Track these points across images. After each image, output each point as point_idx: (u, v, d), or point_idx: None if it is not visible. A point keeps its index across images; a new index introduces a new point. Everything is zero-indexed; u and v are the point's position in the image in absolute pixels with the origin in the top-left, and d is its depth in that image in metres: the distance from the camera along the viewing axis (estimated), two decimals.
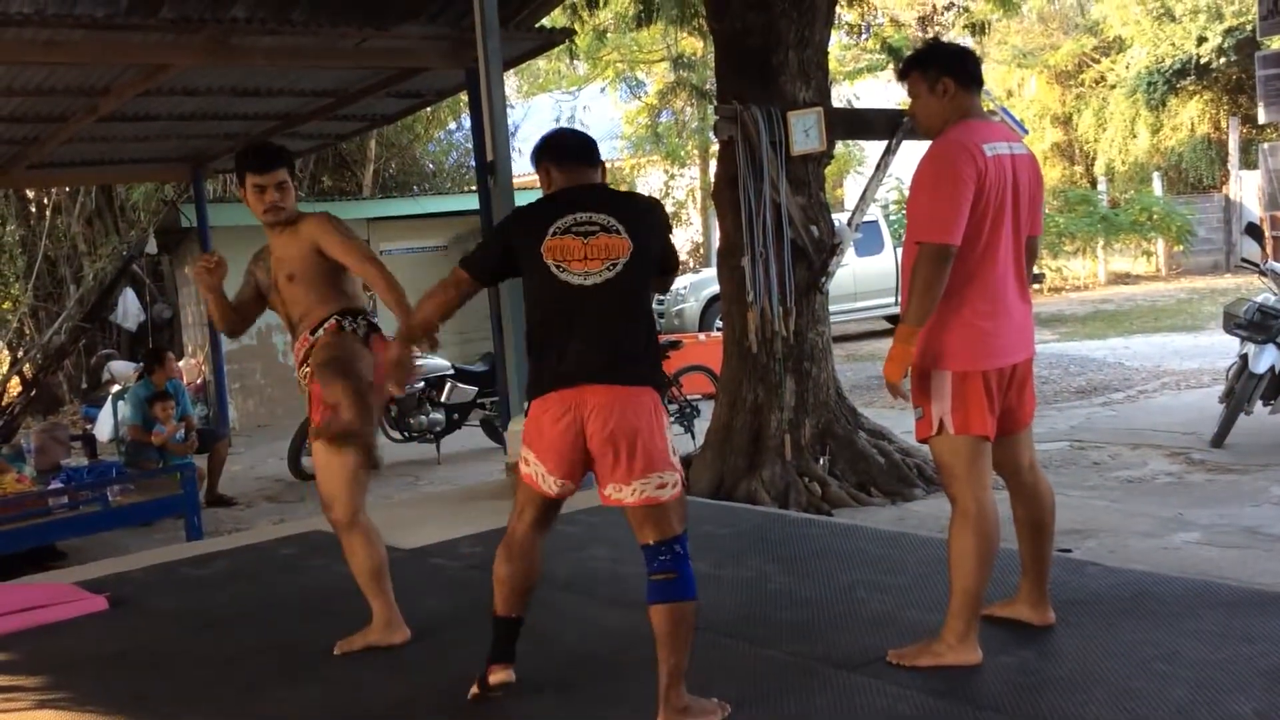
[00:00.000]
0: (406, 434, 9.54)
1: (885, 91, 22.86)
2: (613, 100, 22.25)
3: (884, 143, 7.46)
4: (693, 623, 3.20)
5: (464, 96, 9.62)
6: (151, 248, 13.59)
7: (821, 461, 6.94)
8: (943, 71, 3.54)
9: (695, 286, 16.37)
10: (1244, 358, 7.48)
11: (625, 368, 3.18)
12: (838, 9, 9.43)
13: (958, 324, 3.43)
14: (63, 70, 7.19)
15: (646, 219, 3.32)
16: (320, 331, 4.09)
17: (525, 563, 3.42)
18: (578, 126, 21.61)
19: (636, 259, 3.21)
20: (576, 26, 11.41)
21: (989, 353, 3.45)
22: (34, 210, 15.59)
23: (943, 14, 20.03)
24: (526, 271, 3.27)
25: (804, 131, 6.86)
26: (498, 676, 3.48)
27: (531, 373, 3.30)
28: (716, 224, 7.91)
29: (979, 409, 3.43)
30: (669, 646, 3.17)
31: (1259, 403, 7.49)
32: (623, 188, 22.12)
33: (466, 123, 16.76)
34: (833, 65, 9.28)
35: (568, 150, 3.44)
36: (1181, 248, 21.52)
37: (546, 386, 3.21)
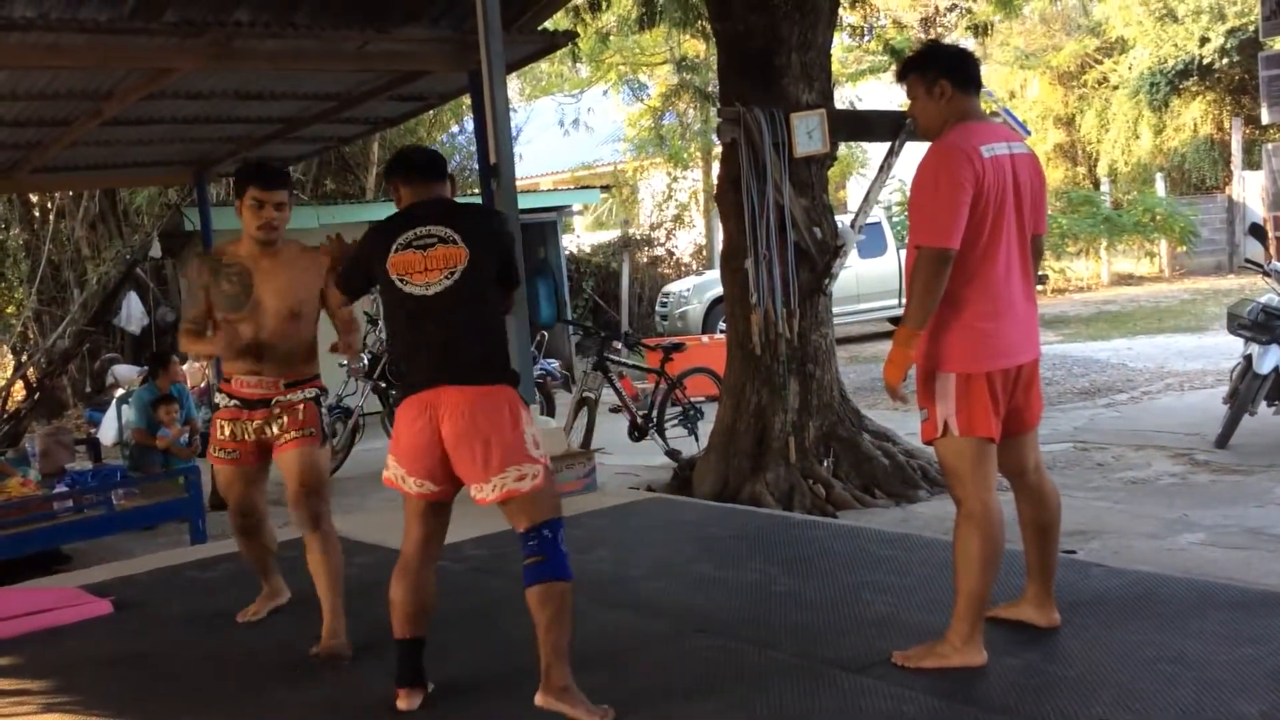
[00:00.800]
0: None
1: (888, 93, 22.86)
2: (615, 103, 22.24)
3: (887, 144, 7.46)
4: (568, 603, 3.34)
5: (467, 99, 9.64)
6: (155, 251, 13.59)
7: (825, 463, 6.93)
8: (940, 73, 3.55)
9: (698, 289, 16.38)
10: (1248, 358, 7.47)
11: (474, 369, 3.36)
12: (840, 11, 9.43)
13: (960, 326, 3.43)
14: (66, 74, 7.20)
15: (483, 228, 3.52)
16: (300, 398, 4.32)
17: (416, 583, 3.56)
18: (581, 129, 21.80)
19: (474, 266, 3.39)
20: (579, 29, 11.42)
21: (993, 354, 3.45)
22: (37, 214, 15.61)
23: (945, 15, 20.03)
24: (380, 285, 3.49)
25: (807, 133, 6.86)
26: (405, 702, 3.57)
27: (400, 379, 3.53)
28: (719, 226, 7.91)
29: (983, 411, 3.43)
30: (544, 626, 3.31)
31: (1263, 403, 7.49)
32: (625, 191, 22.17)
33: (469, 126, 16.78)
34: (835, 67, 9.29)
35: (414, 167, 3.63)
36: (1185, 249, 21.51)
37: (406, 390, 3.42)
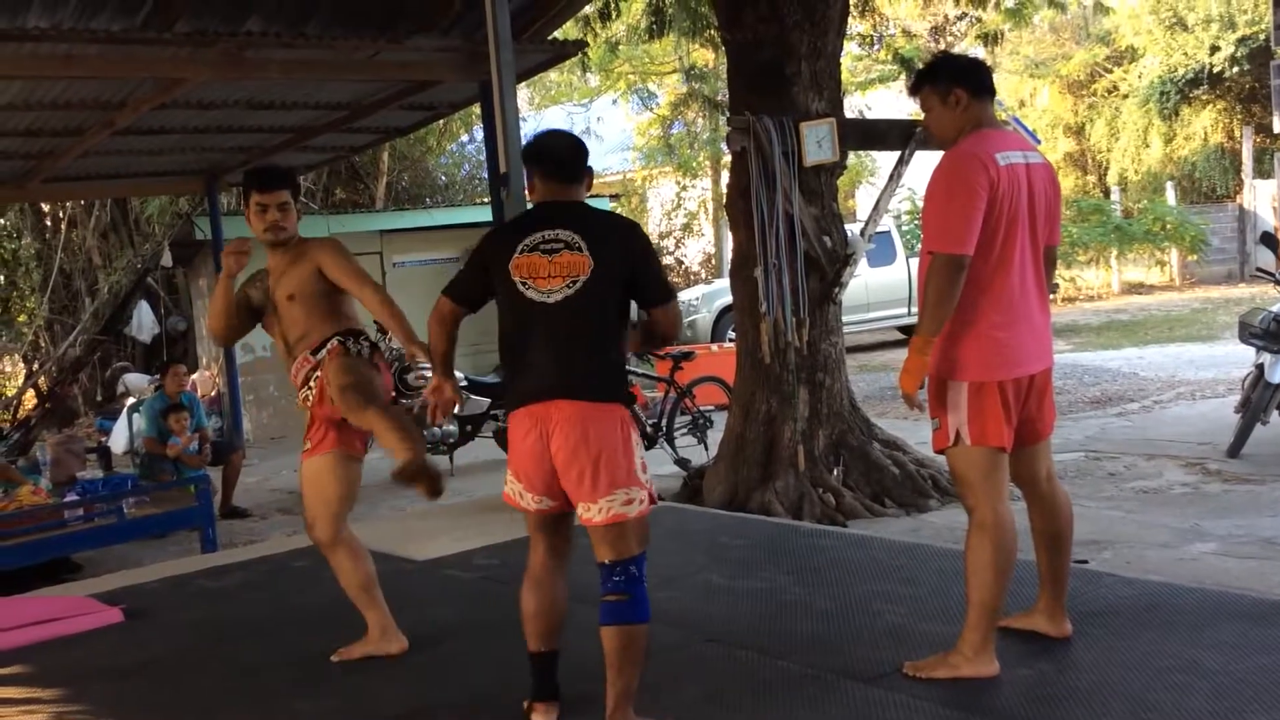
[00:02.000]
0: None
1: (897, 102, 22.85)
2: (625, 112, 22.29)
3: (896, 153, 7.46)
4: (643, 645, 3.21)
5: (477, 109, 9.66)
6: (166, 260, 13.65)
7: (835, 472, 6.92)
8: (954, 82, 3.54)
9: (708, 297, 16.37)
10: (1260, 367, 7.44)
11: (588, 384, 3.20)
12: (850, 20, 9.44)
13: (973, 334, 3.43)
14: (79, 84, 7.24)
15: (613, 239, 3.29)
16: (322, 352, 4.10)
17: (548, 594, 3.42)
18: (590, 138, 21.82)
19: (596, 276, 3.20)
20: (589, 39, 11.44)
21: (1005, 363, 3.44)
22: (49, 224, 15.69)
23: (955, 24, 20.03)
24: (498, 288, 3.30)
25: (816, 142, 6.86)
26: (542, 716, 3.44)
27: (505, 388, 3.37)
28: (729, 235, 7.91)
29: (995, 420, 3.43)
30: (617, 668, 3.19)
31: (1275, 413, 7.45)
32: (634, 199, 22.20)
33: (479, 135, 16.81)
34: (844, 76, 9.29)
35: (558, 164, 3.41)
36: (1195, 257, 21.45)
37: (515, 402, 3.25)
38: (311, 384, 4.14)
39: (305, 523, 4.28)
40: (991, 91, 3.62)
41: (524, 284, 3.22)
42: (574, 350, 3.20)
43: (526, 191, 3.50)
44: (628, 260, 3.28)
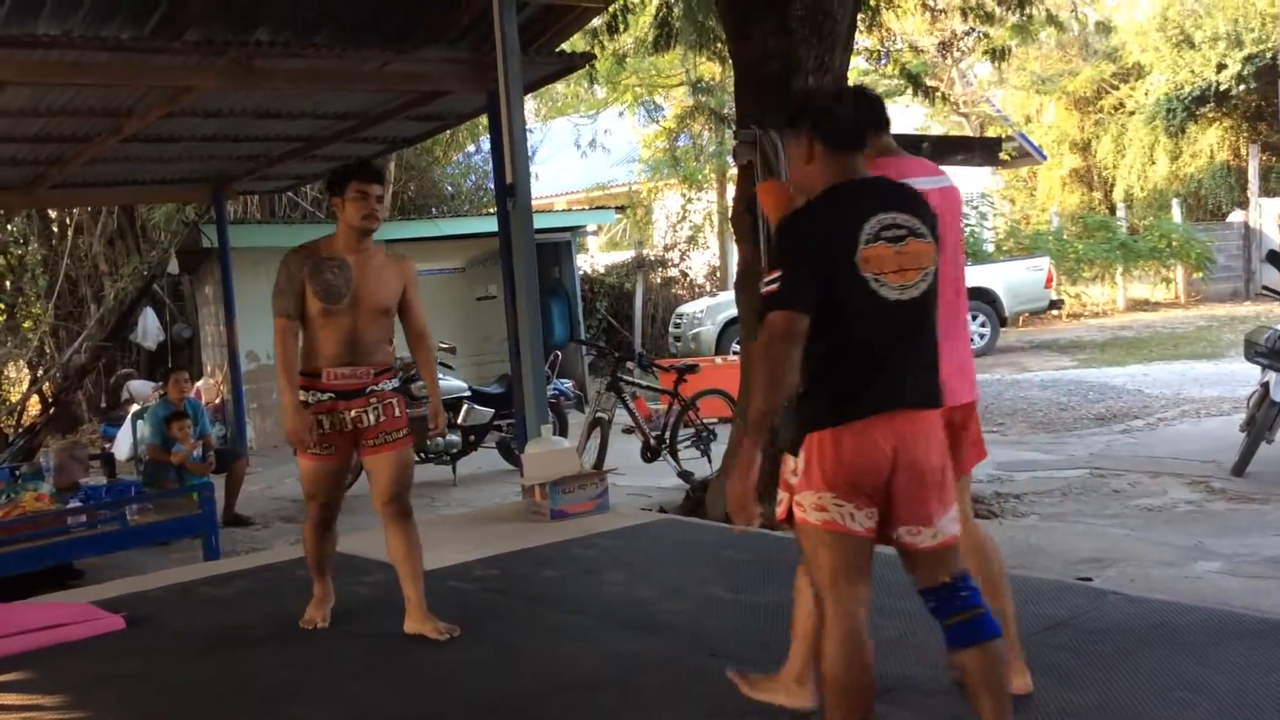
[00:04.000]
0: (423, 455, 9.54)
1: (904, 116, 22.89)
2: (631, 124, 22.32)
3: None
4: (1005, 663, 2.86)
5: (484, 120, 9.68)
6: (172, 268, 13.67)
7: None
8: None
9: (712, 310, 16.37)
10: (1265, 385, 7.43)
11: (934, 390, 2.86)
12: (857, 35, 9.45)
13: None
14: (87, 91, 7.26)
15: (933, 217, 2.90)
16: (389, 387, 4.58)
17: (870, 658, 2.84)
18: (597, 150, 21.88)
19: (937, 267, 2.86)
20: (596, 51, 11.46)
21: None
22: (56, 230, 15.71)
23: (962, 40, 20.06)
24: (838, 286, 2.74)
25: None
26: None
27: (828, 400, 2.79)
28: (734, 248, 7.91)
29: None
30: (990, 693, 2.78)
31: None
32: (639, 211, 22.22)
33: (485, 145, 16.83)
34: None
35: (845, 124, 2.91)
36: (1201, 275, 21.45)
37: (859, 412, 2.75)
38: (368, 406, 4.51)
39: (393, 496, 4.59)
40: (887, 123, 3.45)
41: (877, 280, 2.74)
42: (924, 355, 2.85)
43: (792, 168, 2.98)
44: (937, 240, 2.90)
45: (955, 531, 2.83)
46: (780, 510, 2.94)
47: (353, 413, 4.49)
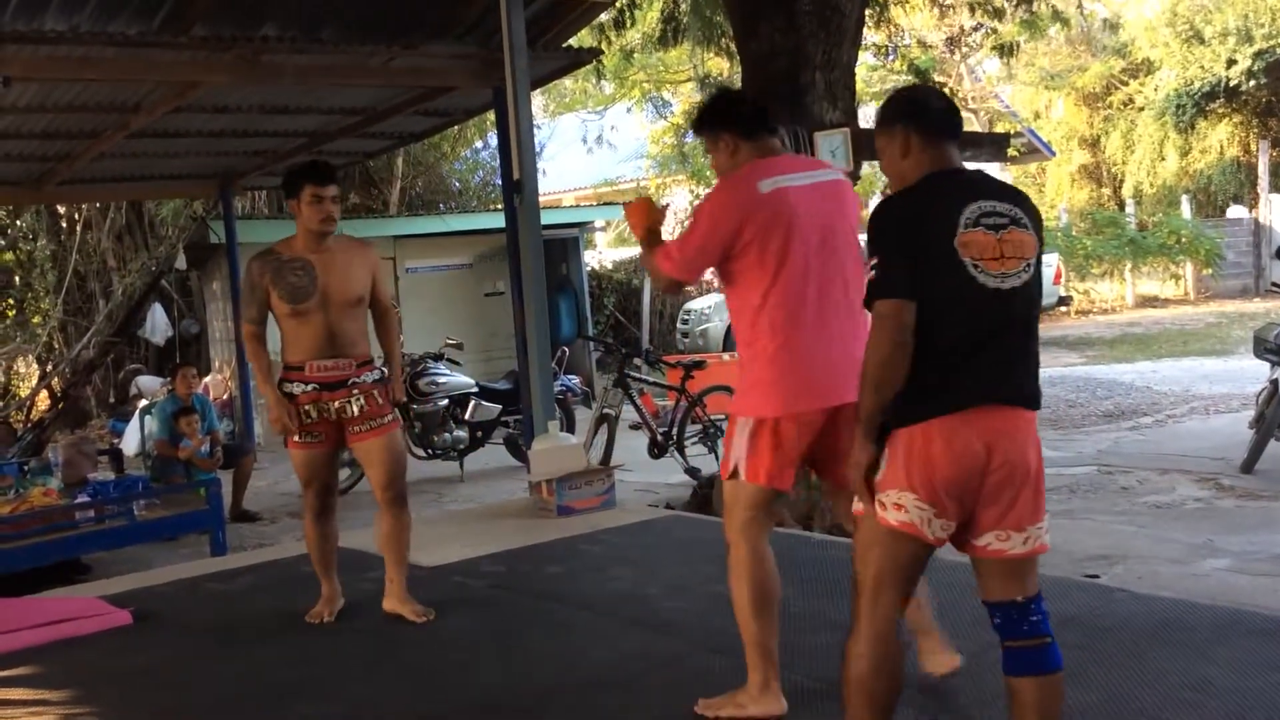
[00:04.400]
0: (430, 451, 9.55)
1: None
2: (639, 120, 22.30)
3: None
4: (1063, 696, 2.73)
5: (491, 115, 9.67)
6: (180, 263, 13.69)
7: None
8: (723, 127, 3.51)
9: (719, 307, 16.35)
10: (1274, 383, 7.41)
11: (1033, 389, 2.70)
12: (865, 30, 9.43)
13: (752, 370, 3.38)
14: (95, 87, 7.27)
15: (1037, 216, 2.77)
16: (366, 378, 4.62)
17: (901, 663, 2.77)
18: (604, 146, 21.85)
19: (1039, 260, 2.71)
20: (604, 46, 11.46)
21: (784, 399, 3.32)
22: (64, 226, 15.74)
23: (970, 35, 20.01)
24: (934, 271, 2.61)
25: (830, 152, 6.85)
26: None
27: (919, 393, 2.61)
28: None
29: (767, 459, 3.33)
30: None
31: None
32: None
33: (493, 141, 16.80)
34: (859, 86, 9.30)
35: (939, 116, 2.83)
36: (1210, 271, 21.39)
37: (950, 406, 2.59)
38: (350, 397, 4.58)
39: (388, 483, 4.68)
40: (769, 126, 3.53)
41: (975, 265, 2.60)
42: (1023, 349, 2.68)
43: (886, 159, 2.87)
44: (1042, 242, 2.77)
45: (1045, 542, 2.68)
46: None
47: (336, 403, 4.58)
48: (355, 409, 4.59)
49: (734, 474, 3.41)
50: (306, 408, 4.57)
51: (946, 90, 16.05)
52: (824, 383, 3.31)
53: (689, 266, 3.46)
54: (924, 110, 2.81)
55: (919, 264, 2.61)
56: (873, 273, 2.66)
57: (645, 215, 3.65)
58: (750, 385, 3.40)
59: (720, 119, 3.52)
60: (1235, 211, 23.09)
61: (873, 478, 2.67)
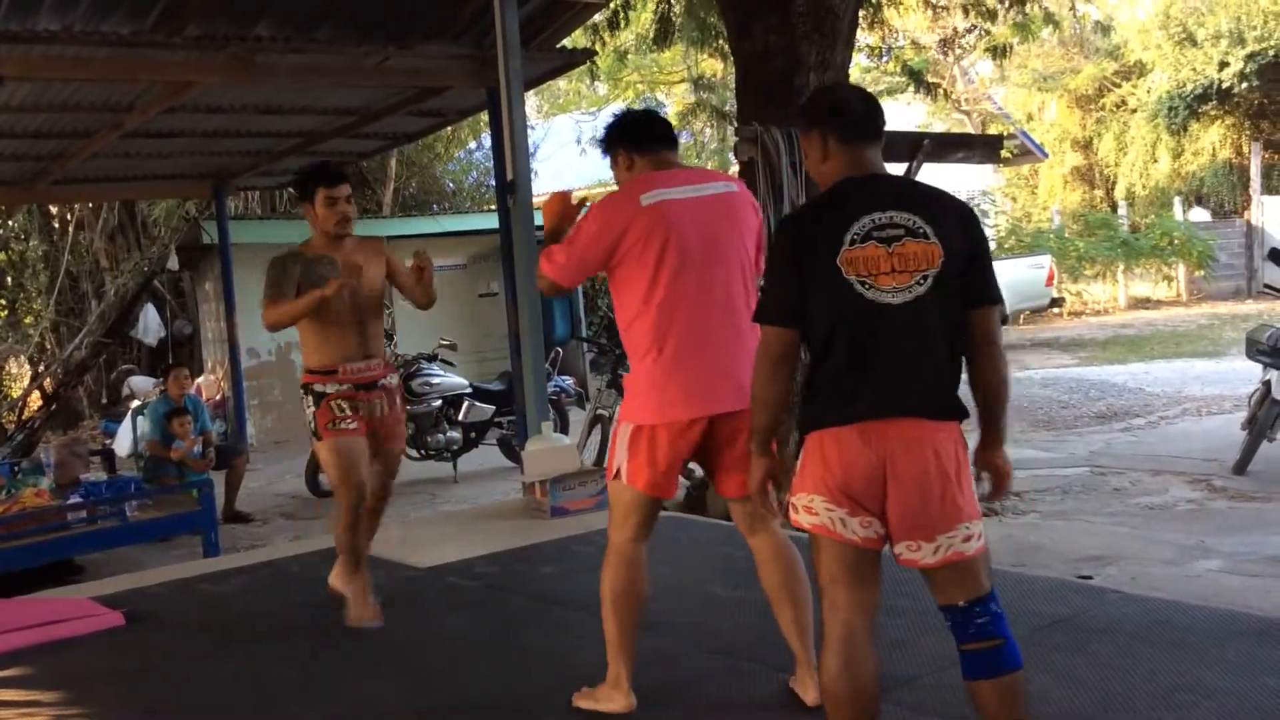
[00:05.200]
0: (423, 452, 9.54)
1: (905, 114, 22.83)
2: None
3: (903, 165, 7.45)
4: (1024, 694, 2.70)
5: (485, 116, 9.67)
6: (173, 264, 13.67)
7: None
8: (617, 145, 3.59)
9: None
10: (1267, 384, 7.43)
11: (937, 400, 2.67)
12: (859, 31, 9.44)
13: (634, 378, 3.45)
14: (88, 87, 7.25)
15: (955, 222, 2.72)
16: (395, 382, 4.74)
17: (868, 669, 2.73)
18: (598, 147, 21.88)
19: (947, 271, 2.64)
20: (597, 47, 11.45)
21: (662, 408, 3.36)
22: (57, 226, 15.71)
23: (964, 37, 20.04)
24: (819, 290, 2.66)
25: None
26: None
27: (816, 403, 2.71)
28: None
29: (641, 464, 3.39)
30: None
31: None
32: None
33: (487, 142, 16.81)
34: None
35: (856, 120, 2.80)
36: (1202, 273, 21.44)
37: (844, 418, 2.65)
38: (380, 398, 4.63)
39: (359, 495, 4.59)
40: (660, 140, 3.59)
41: (863, 282, 2.62)
42: (924, 361, 2.66)
43: (810, 162, 2.87)
44: (971, 248, 2.71)
45: (966, 550, 2.66)
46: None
47: (368, 404, 4.60)
48: (382, 410, 4.64)
49: (617, 475, 3.47)
50: (339, 403, 4.52)
51: (939, 91, 16.07)
52: (700, 392, 3.35)
53: (568, 273, 3.52)
54: (841, 112, 2.80)
55: (805, 283, 2.67)
56: (760, 293, 2.77)
57: (556, 212, 3.64)
58: (631, 392, 3.46)
59: (614, 136, 3.62)
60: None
61: (768, 490, 2.83)
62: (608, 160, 3.67)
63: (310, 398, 4.56)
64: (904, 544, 2.67)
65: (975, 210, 2.91)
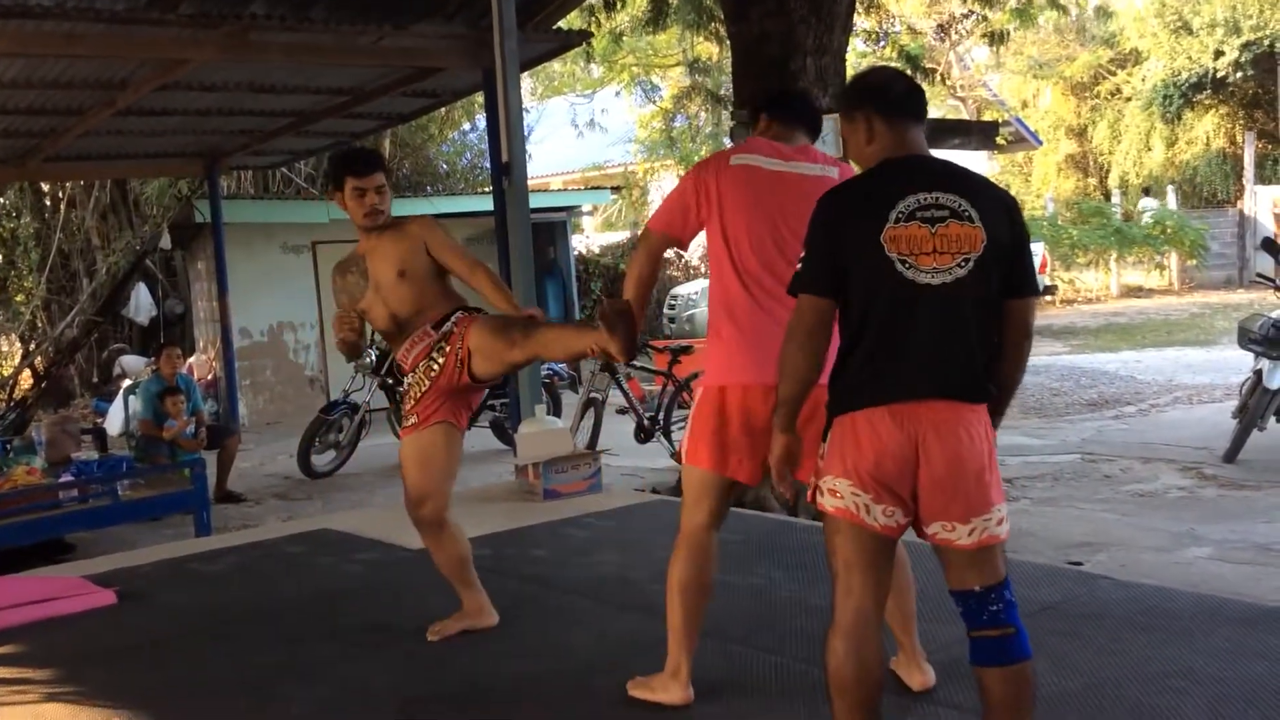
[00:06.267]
0: None
1: None
2: (628, 104, 22.26)
3: None
4: (1032, 684, 2.67)
5: (479, 97, 9.64)
6: (165, 243, 13.62)
7: None
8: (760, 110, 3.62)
9: (706, 292, 16.37)
10: (1258, 373, 7.45)
11: (972, 383, 2.65)
12: (855, 16, 9.42)
13: (708, 345, 3.48)
14: (81, 63, 7.21)
15: (1000, 207, 2.69)
16: (448, 325, 4.09)
17: (875, 653, 2.70)
18: (594, 130, 21.80)
19: (989, 255, 2.62)
20: (593, 29, 11.42)
21: (728, 369, 3.34)
22: (49, 203, 15.65)
23: (961, 22, 20.01)
24: (859, 267, 2.63)
25: (820, 138, 6.84)
26: None
27: (849, 384, 2.67)
28: None
29: (705, 433, 3.33)
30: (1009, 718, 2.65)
31: (1272, 419, 7.46)
32: (635, 192, 22.19)
33: (480, 124, 16.77)
34: (849, 72, 9.28)
35: (900, 99, 2.77)
36: (1195, 262, 21.48)
37: (875, 399, 2.62)
38: (436, 356, 4.08)
39: (410, 501, 4.17)
40: (791, 113, 3.61)
41: (904, 261, 2.58)
42: (959, 343, 2.63)
43: (851, 146, 2.84)
44: (1013, 237, 2.69)
45: (1000, 533, 2.63)
46: (809, 493, 2.82)
47: (429, 358, 4.15)
48: (442, 358, 4.10)
49: (684, 456, 3.43)
50: (418, 376, 4.16)
51: (935, 77, 16.06)
52: (768, 363, 3.11)
53: (662, 223, 3.49)
54: (886, 93, 2.77)
55: (846, 259, 2.63)
56: (799, 264, 2.71)
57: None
58: (705, 362, 3.46)
59: (760, 103, 3.64)
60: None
61: (790, 465, 2.76)
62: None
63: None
64: (939, 524, 2.63)
65: (1018, 201, 2.89)
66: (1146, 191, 24.15)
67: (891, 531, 2.66)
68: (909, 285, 2.59)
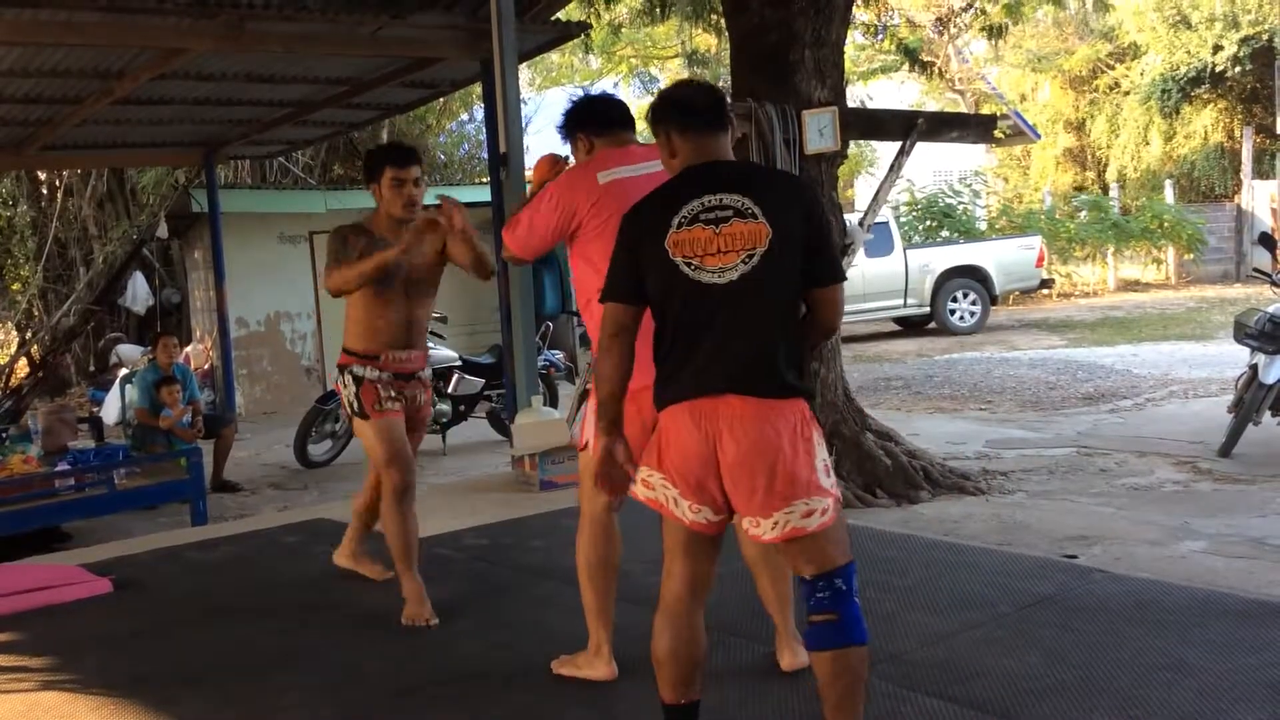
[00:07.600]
0: None
1: (899, 92, 22.80)
2: (626, 95, 22.24)
3: (897, 144, 7.44)
4: (864, 675, 2.77)
5: (477, 88, 9.62)
6: (162, 232, 13.61)
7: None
8: (577, 129, 3.65)
9: None
10: (1254, 368, 7.46)
11: (765, 377, 2.70)
12: (854, 8, 9.41)
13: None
14: (79, 52, 7.19)
15: (789, 201, 2.77)
16: (427, 374, 4.62)
17: (689, 634, 2.83)
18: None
19: (776, 249, 2.69)
20: (592, 20, 11.40)
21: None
22: (45, 192, 15.61)
23: (959, 16, 19.99)
24: (653, 274, 2.75)
25: (818, 130, 6.84)
26: None
27: (658, 382, 2.81)
28: None
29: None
30: (833, 703, 2.74)
31: (1268, 413, 7.47)
32: None
33: (478, 114, 16.74)
34: (847, 65, 9.29)
35: (695, 112, 2.88)
36: (1192, 256, 21.49)
37: (675, 396, 2.74)
38: (419, 389, 4.57)
39: (408, 469, 4.45)
40: (619, 124, 3.66)
41: (689, 263, 2.70)
42: (755, 337, 2.70)
43: (666, 160, 2.95)
44: (807, 227, 2.75)
45: (807, 525, 2.68)
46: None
47: (408, 393, 4.51)
48: (420, 400, 4.57)
49: (586, 447, 3.56)
50: (382, 386, 4.40)
51: (933, 70, 16.06)
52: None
53: (524, 245, 3.62)
54: (679, 109, 2.89)
55: (643, 267, 2.77)
56: (609, 273, 2.86)
57: (545, 173, 3.69)
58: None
59: (574, 121, 3.65)
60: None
61: (608, 466, 2.90)
62: (568, 145, 3.69)
63: (348, 377, 4.42)
64: (747, 519, 2.73)
65: (817, 192, 3.01)
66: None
67: (702, 528, 2.76)
68: (697, 286, 2.70)
